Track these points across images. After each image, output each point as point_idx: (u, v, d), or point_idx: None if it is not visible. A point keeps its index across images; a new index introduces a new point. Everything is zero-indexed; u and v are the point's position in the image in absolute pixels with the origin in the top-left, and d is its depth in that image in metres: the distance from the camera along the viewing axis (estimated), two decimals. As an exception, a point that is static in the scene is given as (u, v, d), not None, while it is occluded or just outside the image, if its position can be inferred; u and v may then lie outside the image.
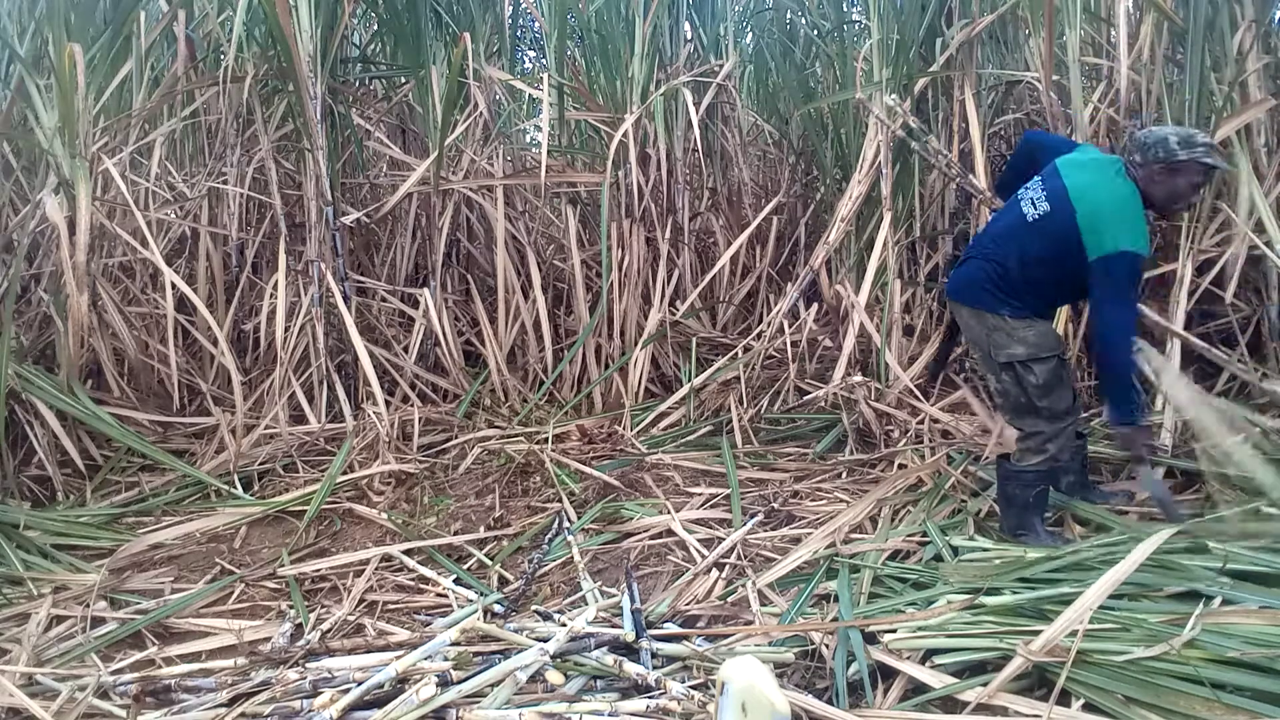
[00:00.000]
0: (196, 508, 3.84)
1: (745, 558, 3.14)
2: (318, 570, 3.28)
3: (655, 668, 2.38)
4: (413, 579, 3.21)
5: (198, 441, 4.44)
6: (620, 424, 4.43)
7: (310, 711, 2.13)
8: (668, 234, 5.16)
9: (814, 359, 4.71)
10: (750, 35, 6.74)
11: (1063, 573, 2.57)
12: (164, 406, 4.54)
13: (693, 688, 2.26)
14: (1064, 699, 2.08)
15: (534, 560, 3.23)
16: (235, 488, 3.95)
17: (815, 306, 4.87)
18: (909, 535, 3.13)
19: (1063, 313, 3.95)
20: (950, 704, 2.17)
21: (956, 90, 4.62)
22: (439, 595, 3.07)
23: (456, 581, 3.16)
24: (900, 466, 3.76)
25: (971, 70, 4.56)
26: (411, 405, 4.63)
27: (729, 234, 5.57)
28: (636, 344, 4.88)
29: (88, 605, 2.99)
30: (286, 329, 4.50)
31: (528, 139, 6.82)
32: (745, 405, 4.47)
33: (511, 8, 5.83)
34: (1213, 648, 2.10)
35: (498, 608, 2.93)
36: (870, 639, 2.42)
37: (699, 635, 2.60)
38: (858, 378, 4.28)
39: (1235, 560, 2.47)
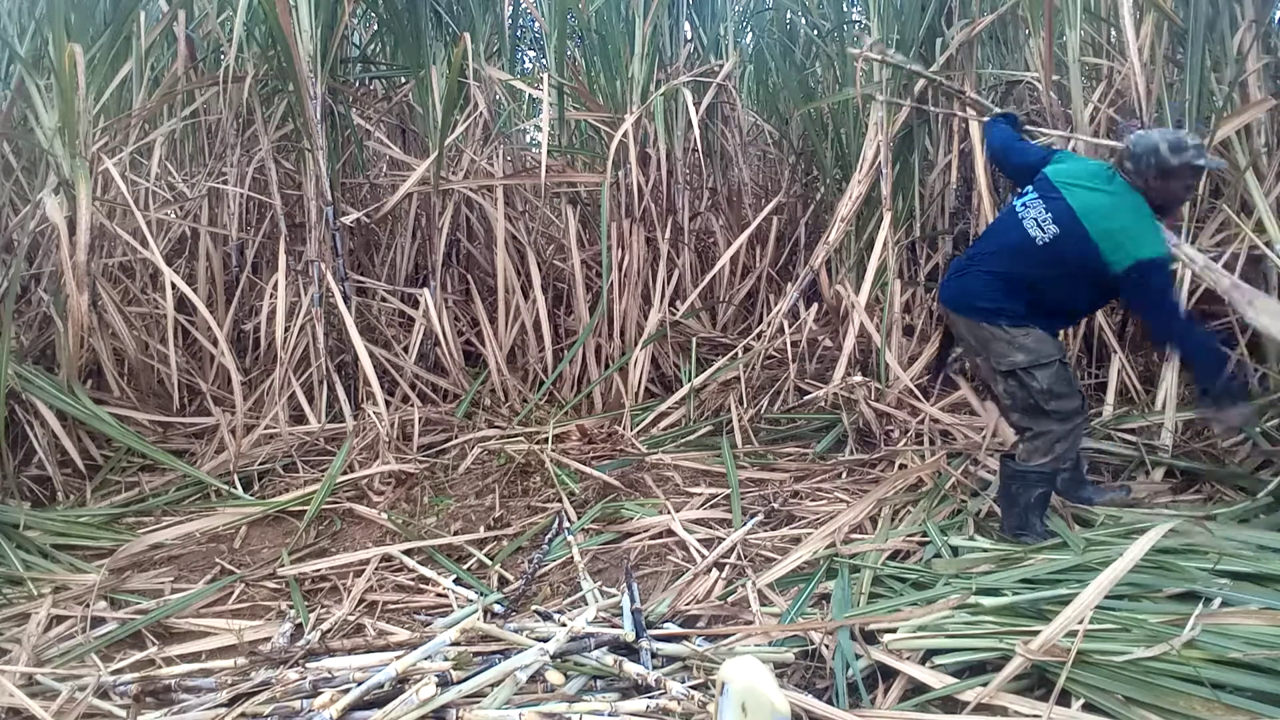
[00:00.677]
0: (196, 508, 3.84)
1: (745, 558, 3.14)
2: (318, 570, 3.27)
3: (655, 668, 2.39)
4: (413, 579, 3.21)
5: (198, 441, 4.44)
6: (620, 424, 4.43)
7: (310, 711, 2.13)
8: (668, 234, 5.16)
9: (814, 359, 4.71)
10: (750, 35, 6.74)
11: (1061, 573, 2.57)
12: (164, 406, 4.54)
13: (693, 688, 2.26)
14: (1064, 699, 2.08)
15: (534, 560, 3.23)
16: (235, 488, 3.95)
17: (815, 306, 4.87)
18: (909, 535, 3.13)
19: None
20: (950, 704, 2.18)
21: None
22: (439, 595, 3.07)
23: (456, 581, 3.16)
24: (900, 466, 3.76)
25: (971, 70, 4.56)
26: (411, 405, 4.63)
27: (729, 234, 5.57)
28: (636, 344, 4.88)
29: (88, 605, 2.99)
30: (286, 329, 4.50)
31: (528, 139, 6.82)
32: (745, 405, 4.47)
33: (511, 8, 5.83)
34: (1213, 648, 2.11)
35: (498, 608, 2.93)
36: (870, 639, 2.42)
37: (699, 635, 2.60)
38: (858, 378, 4.29)
39: (1234, 561, 2.47)
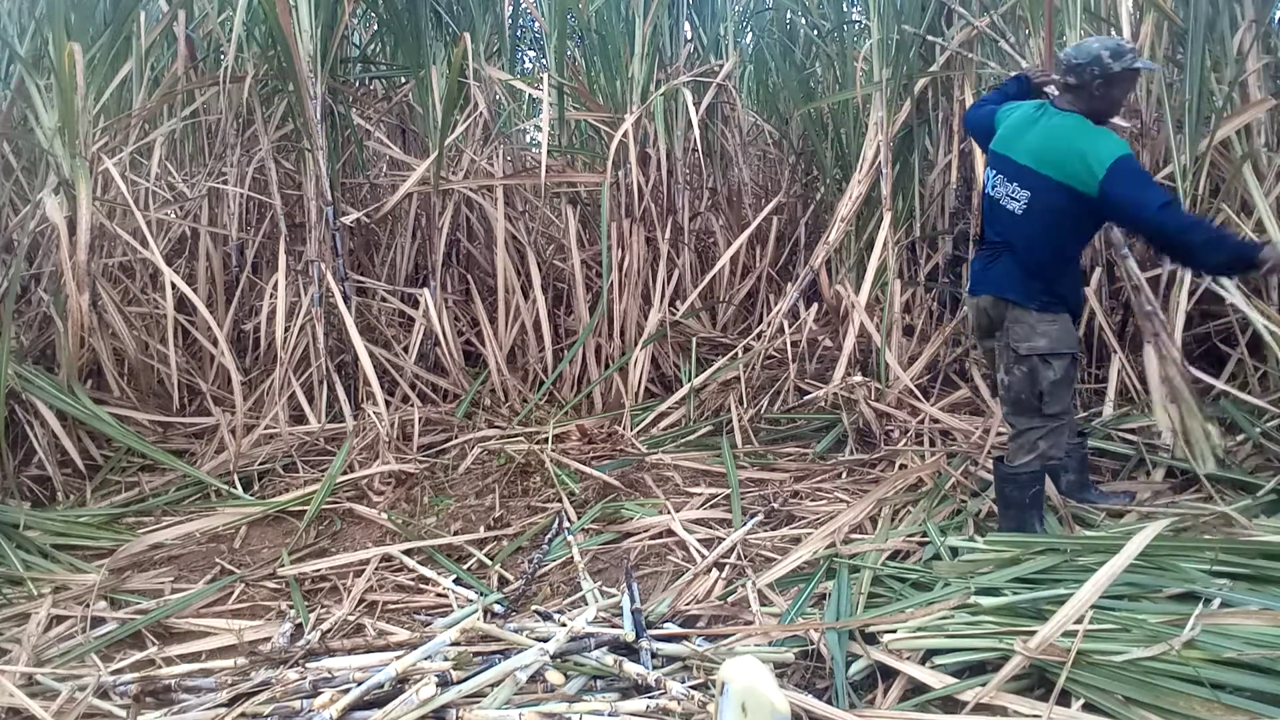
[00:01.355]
0: (196, 508, 3.84)
1: (745, 558, 3.14)
2: (318, 570, 3.28)
3: (655, 668, 2.39)
4: (413, 579, 3.21)
5: (198, 441, 4.44)
6: (620, 424, 4.43)
7: (310, 711, 2.13)
8: (668, 234, 5.16)
9: (814, 359, 4.71)
10: (750, 35, 6.74)
11: (1060, 572, 2.57)
12: (164, 406, 4.54)
13: (693, 688, 2.26)
14: (1064, 699, 2.08)
15: (534, 560, 3.23)
16: (235, 488, 3.95)
17: (815, 306, 4.87)
18: (909, 535, 3.13)
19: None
20: (950, 704, 2.18)
21: (956, 90, 4.62)
22: (439, 595, 3.07)
23: (456, 581, 3.16)
24: (900, 466, 3.76)
25: (971, 70, 4.56)
26: (411, 405, 4.63)
27: (729, 234, 5.57)
28: (636, 344, 4.88)
29: (88, 605, 2.99)
30: (286, 329, 4.50)
31: (528, 139, 6.82)
32: (745, 405, 4.47)
33: (511, 8, 5.82)
34: (1212, 648, 2.11)
35: (498, 608, 2.93)
36: (870, 639, 2.42)
37: (699, 635, 2.60)
38: (858, 378, 4.29)
39: (1234, 562, 2.47)
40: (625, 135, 4.84)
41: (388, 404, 4.46)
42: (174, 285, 4.25)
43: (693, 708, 2.14)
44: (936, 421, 4.07)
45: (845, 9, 5.68)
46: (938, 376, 4.52)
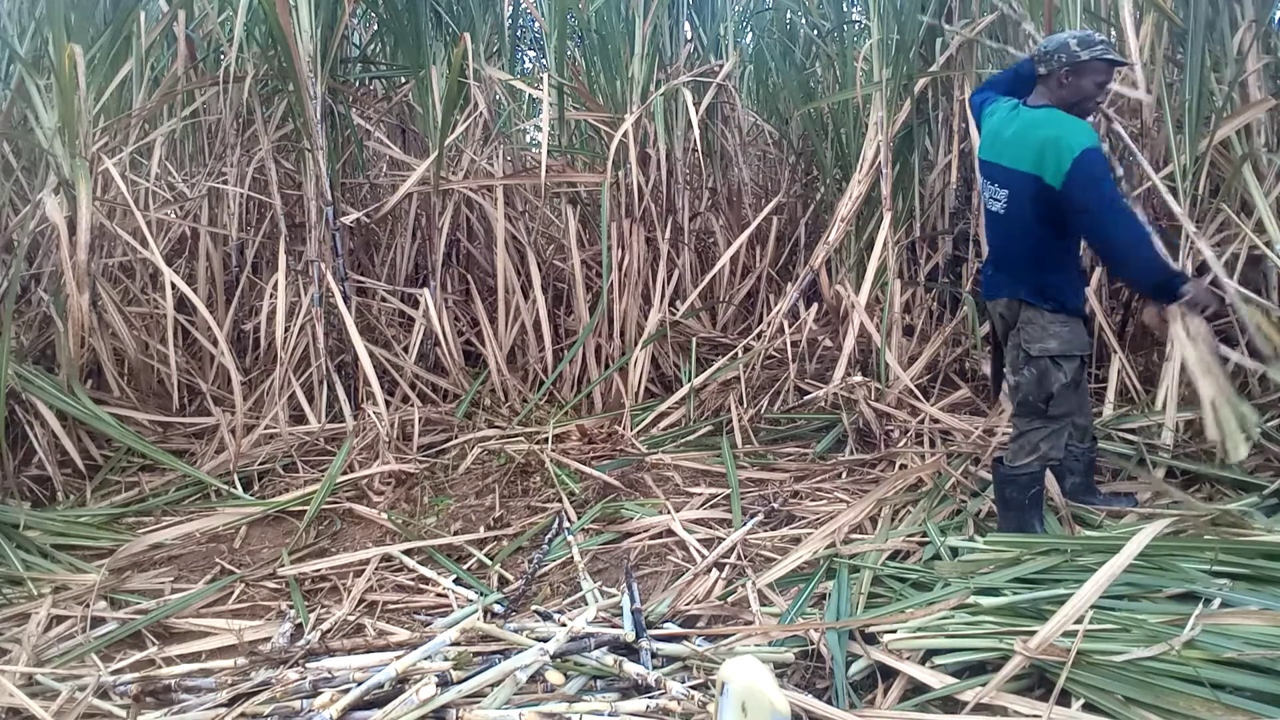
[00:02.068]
0: (196, 508, 3.84)
1: (745, 558, 3.14)
2: (318, 570, 3.28)
3: (655, 668, 2.39)
4: (413, 579, 3.21)
5: (198, 441, 4.44)
6: (620, 424, 4.43)
7: (310, 711, 2.13)
8: (668, 234, 5.16)
9: (814, 359, 4.71)
10: (750, 35, 6.74)
11: (1060, 572, 2.57)
12: (164, 406, 4.54)
13: (693, 688, 2.26)
14: (1064, 699, 2.08)
15: (534, 560, 3.23)
16: (235, 488, 3.95)
17: (815, 306, 4.87)
18: (909, 535, 3.13)
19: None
20: (950, 704, 2.18)
21: (957, 90, 4.62)
22: (439, 595, 3.07)
23: (456, 581, 3.16)
24: (900, 466, 3.76)
25: (971, 70, 4.56)
26: (411, 405, 4.63)
27: (729, 234, 5.57)
28: (636, 344, 4.88)
29: (88, 605, 2.99)
30: (286, 329, 4.50)
31: (528, 139, 6.82)
32: (745, 405, 4.47)
33: (511, 8, 5.83)
34: (1212, 648, 2.11)
35: (498, 608, 2.93)
36: (870, 639, 2.42)
37: (699, 635, 2.60)
38: (858, 378, 4.29)
39: (1234, 562, 2.47)
40: (625, 135, 4.84)
41: (388, 404, 4.46)
42: (174, 285, 4.25)
43: (693, 708, 2.14)
44: (936, 421, 4.07)
45: (845, 9, 5.68)
46: (938, 376, 4.52)
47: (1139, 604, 2.35)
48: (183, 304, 4.50)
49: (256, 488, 4.06)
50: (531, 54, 8.28)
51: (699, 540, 3.28)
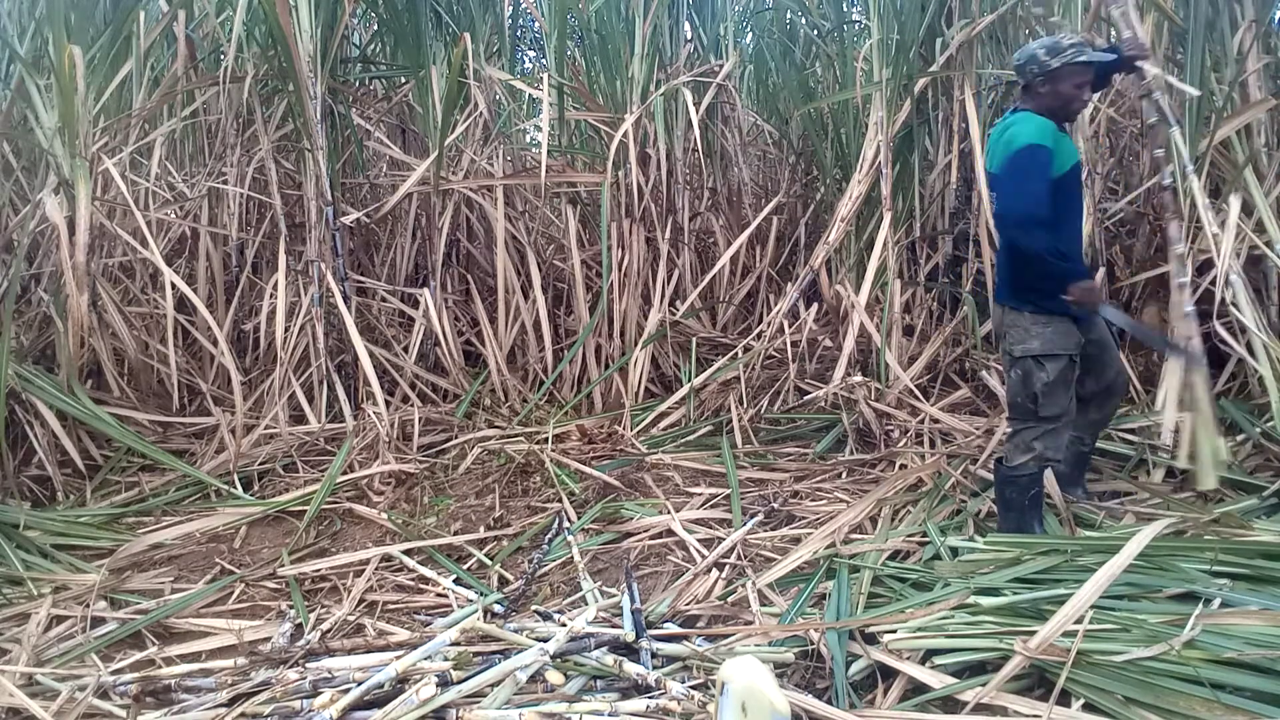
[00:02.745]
0: (196, 508, 3.84)
1: (745, 558, 3.14)
2: (318, 570, 3.28)
3: (655, 668, 2.38)
4: (413, 579, 3.21)
5: (198, 441, 4.44)
6: (620, 424, 4.43)
7: (310, 711, 2.13)
8: (668, 234, 5.16)
9: (814, 359, 4.71)
10: (750, 35, 6.74)
11: (1060, 572, 2.57)
12: (164, 406, 4.54)
13: (693, 688, 2.26)
14: (1064, 699, 2.08)
15: (534, 560, 3.23)
16: (235, 488, 3.95)
17: (815, 306, 4.87)
18: (909, 535, 3.13)
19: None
20: (950, 704, 2.17)
21: (956, 90, 4.62)
22: (439, 595, 3.07)
23: (456, 581, 3.16)
24: (900, 466, 3.76)
25: (971, 70, 4.56)
26: (411, 405, 4.63)
27: (729, 234, 5.57)
28: (636, 344, 4.88)
29: (88, 605, 2.99)
30: (286, 329, 4.50)
31: (528, 139, 6.82)
32: (745, 405, 4.47)
33: (511, 8, 5.83)
34: (1212, 648, 2.11)
35: (498, 608, 2.93)
36: (870, 639, 2.42)
37: (699, 635, 2.60)
38: (858, 378, 4.29)
39: (1234, 562, 2.47)
40: (625, 135, 4.84)
41: (388, 404, 4.46)
42: (174, 285, 4.25)
43: (693, 708, 2.14)
44: (936, 421, 4.07)
45: (845, 9, 5.68)
46: (938, 376, 4.52)
47: (1139, 604, 2.35)
48: (183, 304, 4.50)
49: (256, 488, 4.06)
50: (531, 54, 8.29)
51: (699, 540, 3.28)
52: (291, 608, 3.01)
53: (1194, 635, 2.13)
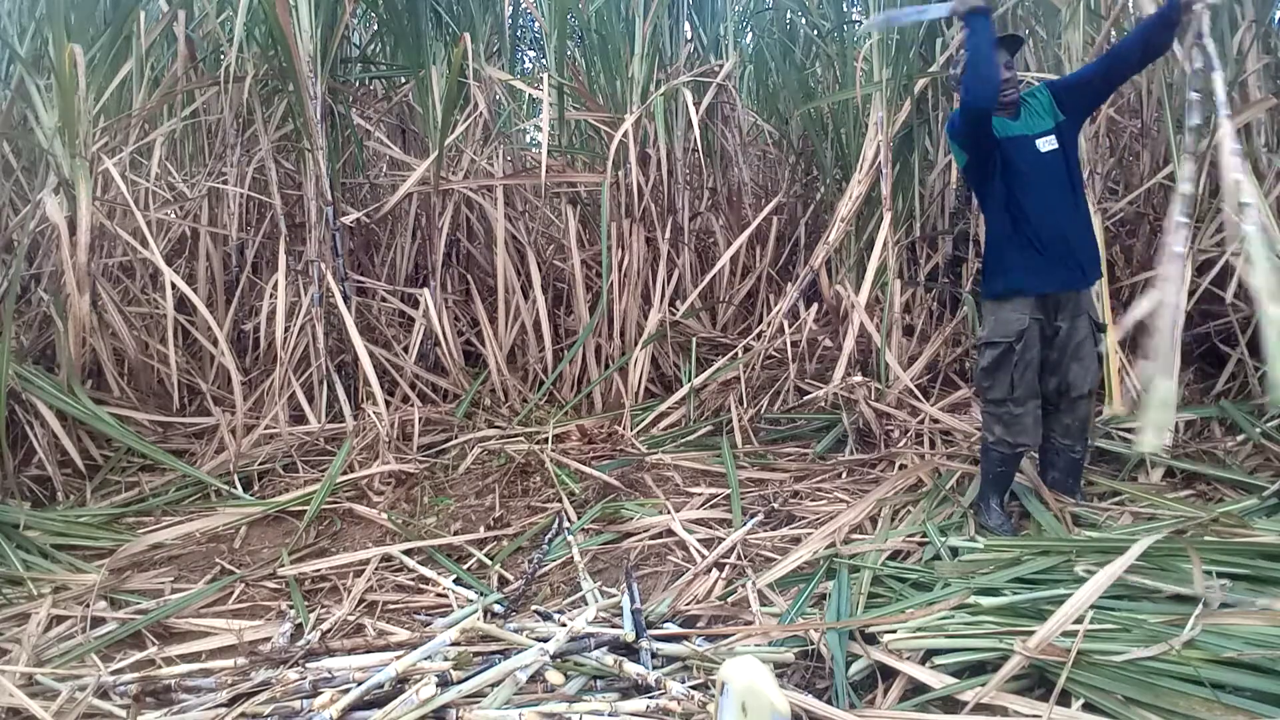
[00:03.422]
0: (196, 508, 3.85)
1: (745, 558, 3.14)
2: (318, 570, 3.28)
3: (655, 668, 2.38)
4: (413, 579, 3.21)
5: (198, 441, 4.44)
6: (620, 424, 4.43)
7: (310, 711, 2.13)
8: (668, 234, 5.16)
9: (814, 359, 4.71)
10: (750, 35, 6.74)
11: (1060, 573, 2.57)
12: (164, 406, 4.54)
13: (693, 688, 2.25)
14: (1064, 699, 2.08)
15: (534, 560, 3.23)
16: (235, 488, 3.95)
17: (815, 306, 4.87)
18: (909, 535, 3.13)
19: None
20: (950, 704, 2.17)
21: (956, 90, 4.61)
22: (439, 595, 3.07)
23: (456, 581, 3.16)
24: (900, 467, 3.76)
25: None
26: (411, 405, 4.63)
27: (729, 234, 5.57)
28: (636, 344, 4.88)
29: (88, 605, 2.99)
30: (286, 329, 4.50)
31: (528, 139, 6.82)
32: (745, 405, 4.47)
33: (511, 8, 5.83)
34: (1212, 648, 2.10)
35: (498, 608, 2.92)
36: (870, 639, 2.42)
37: (699, 635, 2.60)
38: (858, 378, 4.29)
39: (1234, 562, 2.47)
40: (625, 135, 4.84)
41: (388, 404, 4.46)
42: (174, 285, 4.25)
43: (693, 708, 2.14)
44: (936, 421, 4.07)
45: (845, 9, 5.67)
46: (938, 376, 4.52)
47: (1139, 604, 2.35)
48: (183, 304, 4.50)
49: (256, 488, 4.06)
50: (531, 54, 8.29)
51: (699, 540, 3.28)
52: (291, 608, 3.01)
53: (1194, 635, 2.13)
